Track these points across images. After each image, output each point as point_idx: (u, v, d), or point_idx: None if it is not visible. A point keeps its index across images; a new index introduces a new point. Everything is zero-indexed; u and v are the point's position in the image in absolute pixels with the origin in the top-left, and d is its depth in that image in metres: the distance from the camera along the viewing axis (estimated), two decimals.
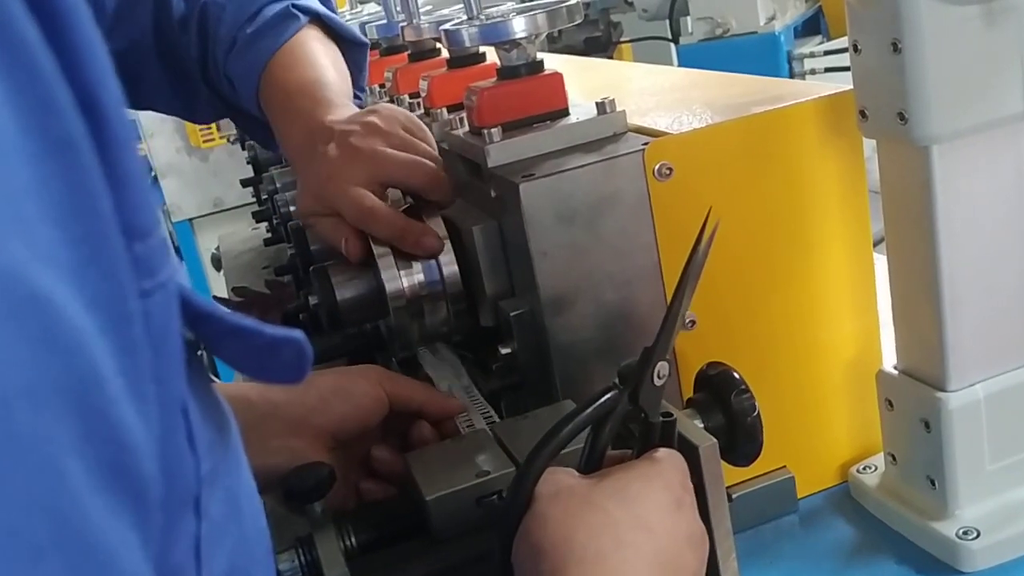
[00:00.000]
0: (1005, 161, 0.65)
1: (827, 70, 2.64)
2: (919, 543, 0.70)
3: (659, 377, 0.56)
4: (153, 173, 4.03)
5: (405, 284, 0.74)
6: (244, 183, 1.95)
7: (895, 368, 0.72)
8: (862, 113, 0.66)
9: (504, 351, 0.74)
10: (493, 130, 0.74)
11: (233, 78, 0.94)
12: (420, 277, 0.75)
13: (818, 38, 3.09)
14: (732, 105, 0.75)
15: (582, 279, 0.70)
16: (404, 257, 0.75)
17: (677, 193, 0.70)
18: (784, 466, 0.77)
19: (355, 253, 0.74)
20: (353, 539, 0.58)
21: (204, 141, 4.07)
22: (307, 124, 0.80)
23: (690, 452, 0.57)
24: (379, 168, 0.74)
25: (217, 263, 3.76)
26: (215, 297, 1.06)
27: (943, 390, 0.67)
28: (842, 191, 0.73)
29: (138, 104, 1.04)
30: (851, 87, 0.68)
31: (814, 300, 0.75)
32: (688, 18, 3.11)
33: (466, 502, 0.57)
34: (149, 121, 3.90)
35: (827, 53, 2.73)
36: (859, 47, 0.65)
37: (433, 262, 0.75)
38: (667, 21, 3.16)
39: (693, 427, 0.59)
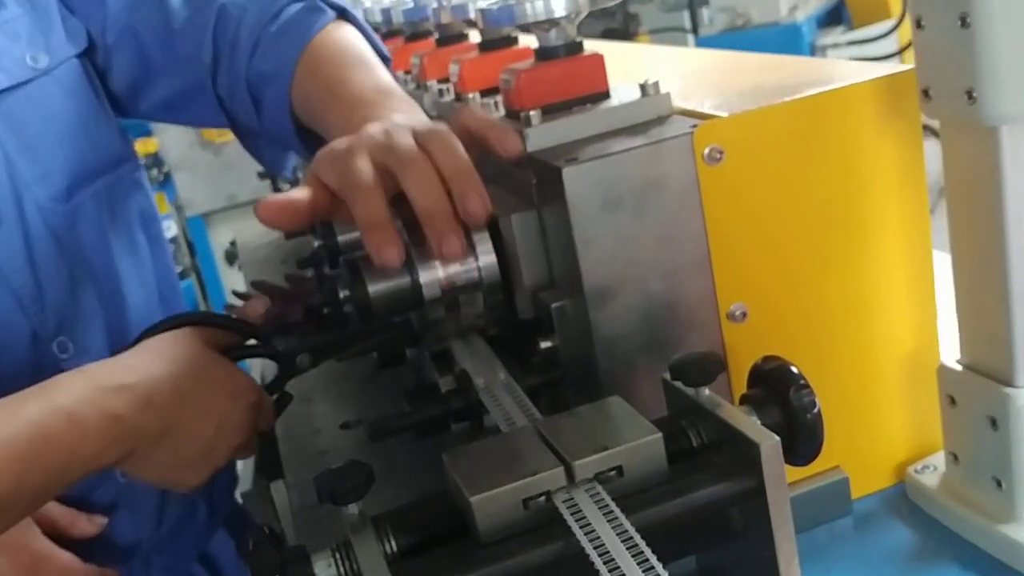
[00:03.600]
0: None
1: (852, 60, 2.59)
2: (984, 547, 0.67)
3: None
4: (166, 168, 4.01)
5: (441, 275, 0.71)
6: (262, 176, 1.92)
7: (958, 363, 0.68)
8: (925, 93, 0.62)
9: (544, 345, 0.71)
10: (532, 113, 0.70)
11: (260, 77, 0.91)
12: (456, 268, 0.71)
13: (841, 28, 3.04)
14: (783, 87, 0.71)
15: (627, 269, 0.67)
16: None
17: (728, 178, 0.66)
18: (837, 466, 0.73)
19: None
20: (393, 543, 0.55)
21: (218, 135, 4.04)
22: (362, 117, 0.75)
23: (750, 451, 0.54)
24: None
25: (231, 258, 3.74)
26: (234, 292, 1.04)
27: (1011, 385, 0.63)
28: (900, 177, 0.70)
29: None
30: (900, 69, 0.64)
31: (869, 291, 0.71)
32: (707, 9, 3.07)
33: (512, 503, 0.54)
34: None
35: (851, 43, 2.69)
36: (922, 23, 0.62)
37: (470, 253, 0.72)
38: (686, 12, 3.12)
39: (751, 423, 0.55)
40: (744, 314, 0.69)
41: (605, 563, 0.48)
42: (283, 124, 0.90)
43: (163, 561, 1.02)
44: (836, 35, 2.89)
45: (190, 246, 4.14)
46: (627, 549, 0.48)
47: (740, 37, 2.82)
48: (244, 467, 1.36)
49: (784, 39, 2.74)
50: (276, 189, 1.88)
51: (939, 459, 0.73)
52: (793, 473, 0.69)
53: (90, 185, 0.94)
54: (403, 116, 0.74)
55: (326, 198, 0.65)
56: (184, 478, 0.74)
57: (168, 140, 3.95)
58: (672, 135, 0.65)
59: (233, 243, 3.66)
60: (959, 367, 0.68)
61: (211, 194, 4.05)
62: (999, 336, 0.63)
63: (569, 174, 0.64)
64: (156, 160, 3.95)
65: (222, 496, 1.16)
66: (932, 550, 0.69)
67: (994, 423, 0.64)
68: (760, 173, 0.67)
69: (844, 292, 0.71)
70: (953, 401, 0.68)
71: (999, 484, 0.66)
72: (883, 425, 0.74)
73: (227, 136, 4.01)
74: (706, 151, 0.65)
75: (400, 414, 0.73)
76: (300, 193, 0.65)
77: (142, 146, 3.77)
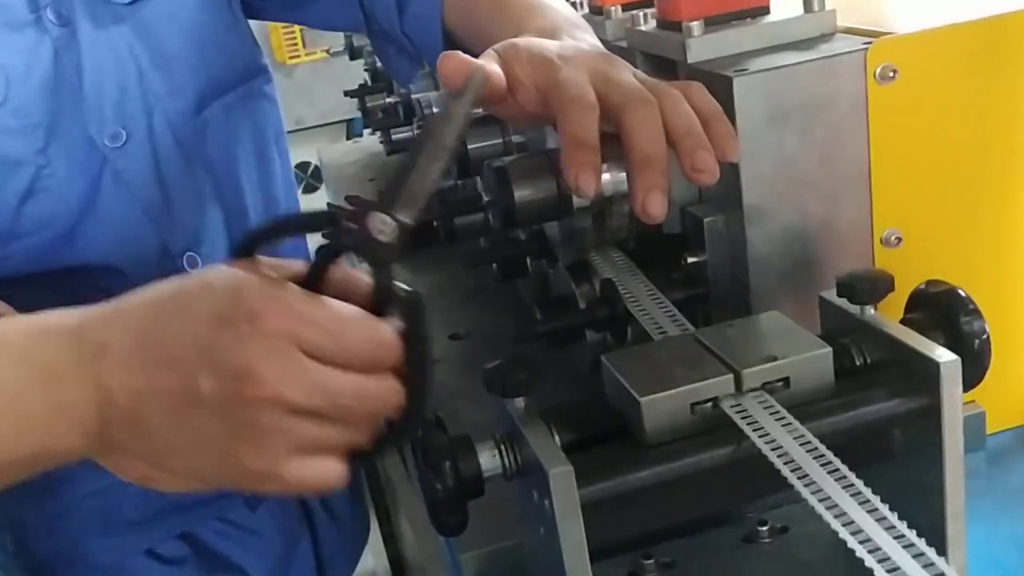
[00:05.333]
0: None
1: None
2: None
3: (380, 232, 0.50)
4: None
5: None
6: (349, 94, 1.91)
7: None
8: None
9: (692, 260, 0.70)
10: (694, 24, 0.69)
11: None
12: (607, 177, 0.71)
13: None
14: (954, 7, 0.69)
15: (788, 187, 0.66)
16: None
17: (898, 99, 0.65)
18: (973, 400, 0.73)
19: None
20: (557, 438, 0.55)
21: (290, 58, 4.04)
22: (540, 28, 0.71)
23: (926, 369, 0.53)
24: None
25: (309, 187, 3.75)
26: (329, 204, 1.03)
27: None
28: None
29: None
30: None
31: (1023, 225, 0.70)
32: None
33: (680, 407, 0.54)
34: None
35: None
36: None
37: (620, 163, 0.71)
38: None
39: (928, 342, 0.55)
40: (899, 239, 0.68)
41: (786, 464, 0.48)
42: (430, 30, 0.88)
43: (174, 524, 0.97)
44: None
45: None
46: (807, 452, 0.48)
47: None
48: None
49: None
50: (363, 108, 1.88)
51: None
52: None
53: (220, 98, 0.93)
54: (591, 41, 0.71)
55: (504, 87, 0.61)
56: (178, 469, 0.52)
57: None
58: (846, 51, 0.64)
59: (305, 165, 3.68)
60: None
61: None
62: None
63: (740, 84, 0.63)
64: None
65: None
66: None
67: None
68: (930, 95, 0.65)
69: (999, 223, 0.70)
70: None
71: None
72: (1022, 361, 0.73)
73: (299, 58, 4.01)
74: (879, 69, 0.64)
75: (542, 321, 0.73)
76: (490, 64, 0.60)
77: None
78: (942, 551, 0.53)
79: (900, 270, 0.68)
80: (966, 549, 0.56)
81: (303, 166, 3.81)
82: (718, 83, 0.64)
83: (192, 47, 0.90)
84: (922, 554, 0.43)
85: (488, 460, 0.54)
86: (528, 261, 0.90)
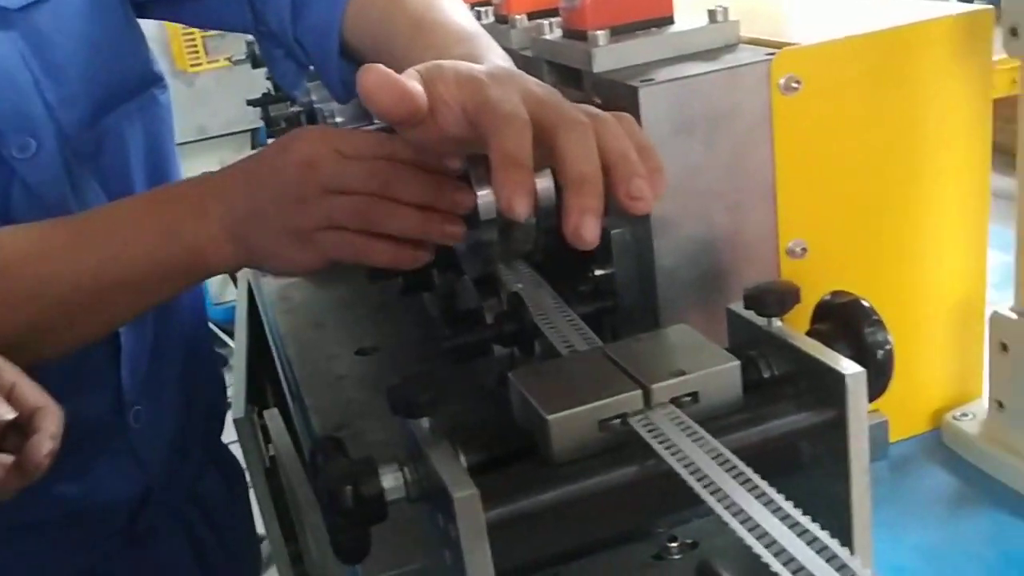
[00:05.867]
0: None
1: None
2: None
3: None
4: None
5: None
6: (252, 103, 1.86)
7: (1012, 310, 0.68)
8: (1013, 31, 0.61)
9: (599, 272, 0.69)
10: (599, 33, 0.68)
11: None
12: None
13: None
14: (856, 19, 0.70)
15: (694, 198, 0.65)
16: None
17: (802, 109, 0.65)
18: (877, 409, 0.73)
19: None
20: (463, 459, 0.53)
21: (191, 66, 3.94)
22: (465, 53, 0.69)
23: (832, 382, 0.53)
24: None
25: None
26: None
27: None
28: (966, 120, 0.69)
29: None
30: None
31: (925, 235, 0.71)
32: None
33: (588, 424, 0.52)
34: None
35: None
36: None
37: None
38: None
39: (834, 355, 0.55)
40: (804, 250, 0.68)
41: (695, 476, 0.47)
42: (325, 42, 0.85)
43: (162, 499, 0.99)
44: None
45: None
46: (719, 465, 0.47)
47: None
48: (235, 394, 1.34)
49: None
50: (266, 118, 1.83)
51: (976, 406, 0.74)
52: None
53: (117, 108, 0.89)
54: (504, 63, 0.69)
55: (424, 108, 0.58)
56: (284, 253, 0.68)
57: None
58: (750, 61, 0.64)
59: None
60: (1013, 315, 0.68)
61: (180, 126, 3.94)
62: None
63: (646, 95, 0.62)
64: None
65: (216, 436, 1.14)
66: (971, 495, 0.70)
67: None
68: (833, 106, 0.66)
69: (901, 234, 0.70)
70: (1004, 348, 0.68)
71: None
72: (925, 370, 0.74)
73: (200, 66, 3.91)
74: (783, 80, 0.64)
75: (448, 336, 0.71)
76: (411, 82, 0.57)
77: None
78: None
79: (805, 280, 0.68)
80: (872, 559, 0.56)
81: None
82: (623, 93, 0.64)
83: (86, 55, 0.86)
84: (835, 556, 0.42)
85: (391, 483, 0.52)
86: (434, 274, 0.88)
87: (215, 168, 0.76)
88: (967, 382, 0.75)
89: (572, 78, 0.72)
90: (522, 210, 0.54)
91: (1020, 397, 0.68)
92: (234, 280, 2.69)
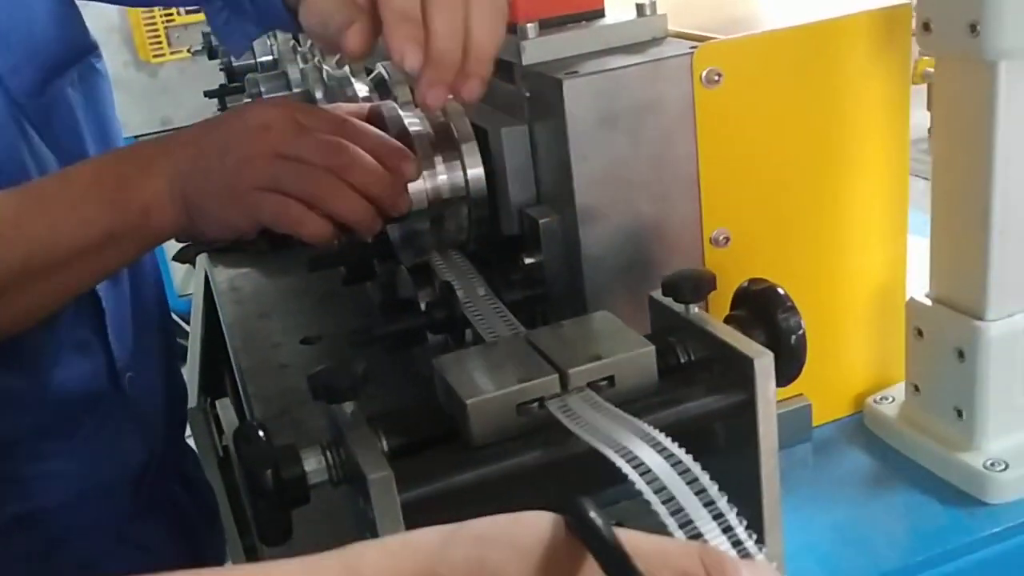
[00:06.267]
0: None
1: None
2: (941, 474, 0.69)
3: None
4: None
5: (428, 186, 0.70)
6: (209, 94, 1.86)
7: (927, 296, 0.70)
8: (925, 26, 0.63)
9: (529, 261, 0.71)
10: (529, 26, 0.70)
11: None
12: (443, 179, 0.70)
13: None
14: (778, 14, 0.71)
15: (619, 189, 0.67)
16: (427, 156, 0.70)
17: (723, 102, 0.66)
18: (801, 393, 0.75)
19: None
20: (384, 443, 0.54)
21: (154, 56, 3.91)
22: None
23: (742, 366, 0.55)
24: None
25: None
26: None
27: (981, 319, 0.66)
28: (885, 112, 0.71)
29: None
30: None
31: (846, 224, 0.73)
32: None
33: (506, 408, 0.54)
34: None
35: None
36: None
37: (458, 164, 0.71)
38: None
39: (745, 340, 0.56)
40: (727, 239, 0.70)
41: (618, 452, 0.48)
42: None
43: (153, 481, 0.99)
44: None
45: None
46: (641, 439, 0.48)
47: None
48: (189, 384, 1.34)
49: None
50: (223, 109, 1.83)
51: (896, 390, 0.76)
52: None
53: (62, 75, 0.90)
54: None
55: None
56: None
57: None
58: (672, 54, 0.65)
59: None
60: (928, 301, 0.70)
61: (144, 117, 3.93)
62: (973, 271, 0.65)
63: (570, 87, 0.63)
64: None
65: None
66: (890, 476, 0.72)
67: (961, 355, 0.67)
68: (755, 99, 0.67)
69: (822, 222, 0.72)
70: (920, 333, 0.71)
71: (960, 414, 0.68)
72: (846, 356, 0.77)
73: (163, 57, 3.88)
74: (704, 73, 0.65)
75: (381, 324, 0.72)
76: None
77: None
78: (761, 539, 0.55)
79: (728, 269, 0.70)
80: (783, 537, 0.58)
81: None
82: (549, 85, 0.65)
83: (26, 23, 0.87)
84: (740, 542, 0.44)
85: (314, 466, 0.53)
86: (375, 263, 0.89)
87: None
88: (889, 367, 0.77)
89: (504, 70, 0.74)
90: (415, 62, 0.58)
91: (936, 381, 0.70)
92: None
